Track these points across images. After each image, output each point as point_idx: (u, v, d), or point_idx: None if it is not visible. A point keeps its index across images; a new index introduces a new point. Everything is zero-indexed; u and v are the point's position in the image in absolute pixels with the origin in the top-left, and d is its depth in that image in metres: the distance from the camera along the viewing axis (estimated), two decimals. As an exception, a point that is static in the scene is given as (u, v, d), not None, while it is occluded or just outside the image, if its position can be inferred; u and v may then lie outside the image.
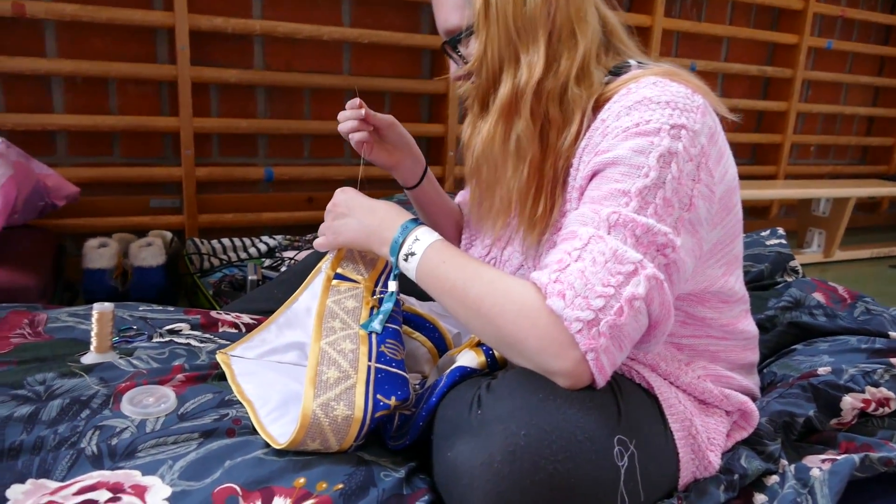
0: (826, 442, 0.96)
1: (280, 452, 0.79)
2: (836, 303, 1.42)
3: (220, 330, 1.16)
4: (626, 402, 0.77)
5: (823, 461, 0.88)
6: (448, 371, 0.88)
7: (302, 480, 0.75)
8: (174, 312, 1.20)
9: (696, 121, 0.77)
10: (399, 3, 2.40)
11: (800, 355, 1.17)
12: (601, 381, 0.73)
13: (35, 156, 1.78)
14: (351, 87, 2.22)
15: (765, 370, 1.15)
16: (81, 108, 2.03)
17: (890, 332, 1.18)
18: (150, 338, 1.08)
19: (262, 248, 2.12)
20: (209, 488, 0.72)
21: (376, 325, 0.92)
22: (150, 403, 0.86)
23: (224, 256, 2.04)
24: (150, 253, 1.83)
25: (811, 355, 1.15)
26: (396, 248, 0.87)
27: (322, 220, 1.00)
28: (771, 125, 3.38)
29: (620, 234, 0.73)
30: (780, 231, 1.75)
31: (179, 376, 0.94)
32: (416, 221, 0.89)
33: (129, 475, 0.74)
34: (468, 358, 0.90)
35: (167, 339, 1.08)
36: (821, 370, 1.05)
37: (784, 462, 0.90)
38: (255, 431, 0.83)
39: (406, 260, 0.86)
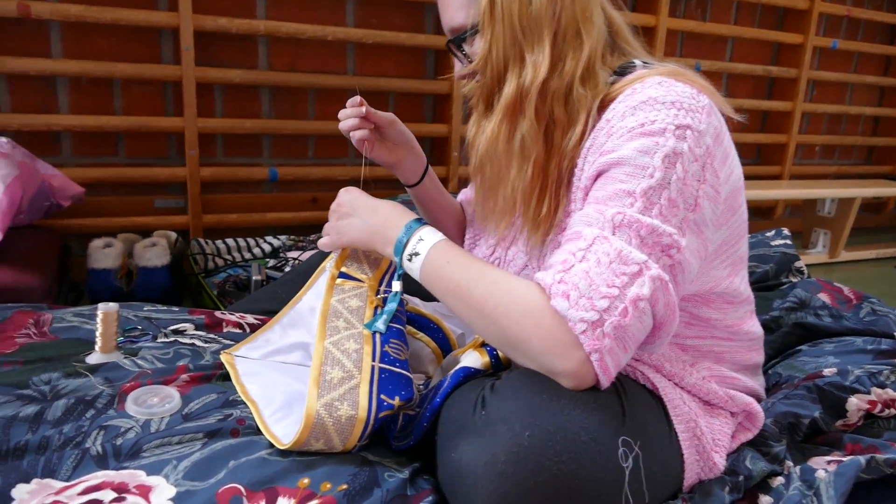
0: (831, 443, 0.96)
1: (284, 453, 0.79)
2: (841, 303, 1.41)
3: (225, 330, 1.16)
4: (630, 402, 0.77)
5: (829, 463, 0.87)
6: (452, 371, 0.87)
7: (306, 481, 0.75)
8: (179, 312, 1.20)
9: (701, 121, 0.76)
10: (403, 3, 2.40)
11: (805, 356, 1.16)
12: (605, 382, 0.73)
13: (40, 156, 1.78)
14: (355, 87, 2.22)
15: (770, 371, 1.15)
16: (86, 109, 2.04)
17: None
18: (154, 338, 1.09)
19: (267, 248, 2.12)
20: (213, 488, 0.72)
21: (380, 325, 0.92)
22: (154, 403, 0.87)
23: (228, 257, 2.04)
24: (154, 253, 1.83)
25: (816, 356, 1.15)
26: (400, 247, 0.87)
27: (326, 221, 1.00)
28: (776, 125, 3.37)
29: (625, 235, 0.73)
30: (785, 231, 1.75)
31: (184, 376, 0.94)
32: (420, 221, 0.89)
33: (133, 475, 0.74)
34: (472, 358, 0.90)
35: (172, 339, 1.09)
36: (826, 371, 1.04)
37: (789, 463, 0.89)
38: (259, 432, 0.83)
39: (410, 260, 0.86)
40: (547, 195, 0.87)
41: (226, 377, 0.96)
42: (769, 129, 3.39)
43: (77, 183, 1.85)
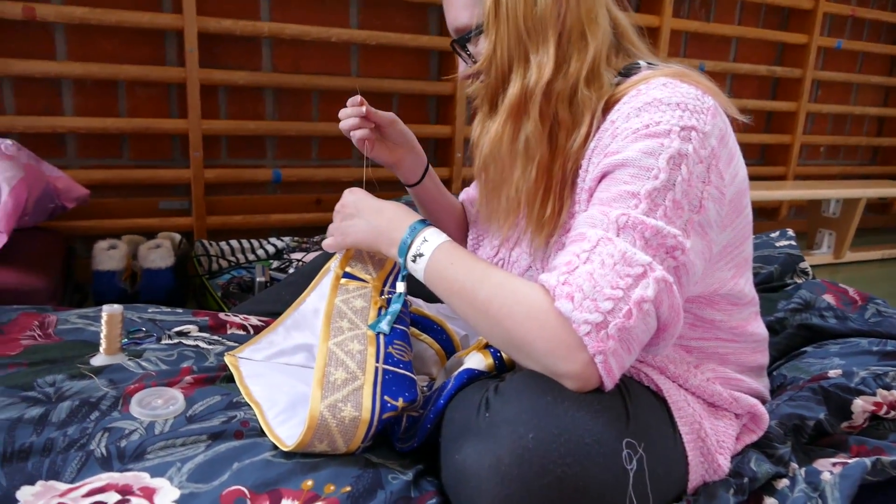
0: (837, 445, 0.95)
1: (288, 454, 0.79)
2: (846, 305, 1.40)
3: (229, 332, 1.16)
4: (634, 404, 0.77)
5: (834, 465, 0.87)
6: (456, 373, 0.87)
7: (310, 482, 0.75)
8: (183, 314, 1.21)
9: (706, 122, 0.76)
10: (406, 4, 2.40)
11: (810, 358, 1.16)
12: (609, 384, 0.73)
13: (45, 158, 1.79)
14: (358, 88, 2.22)
15: (774, 373, 1.14)
16: (91, 111, 2.04)
17: (901, 335, 1.17)
18: (158, 339, 1.09)
19: (271, 249, 2.12)
20: (217, 490, 0.72)
21: (384, 326, 0.91)
22: (158, 405, 0.87)
23: (232, 258, 2.04)
24: (158, 255, 1.84)
25: (821, 358, 1.14)
26: (405, 249, 0.87)
27: (330, 222, 1.00)
28: (780, 125, 3.36)
29: (629, 237, 0.73)
30: (790, 232, 1.74)
31: (188, 378, 0.94)
32: (425, 222, 0.89)
33: (137, 477, 0.74)
34: (476, 360, 0.90)
35: (176, 340, 1.09)
36: (831, 373, 1.04)
37: (794, 465, 0.89)
38: (263, 433, 0.83)
39: (414, 261, 0.86)
40: (551, 196, 0.87)
41: (230, 379, 0.96)
42: (773, 130, 3.38)
43: (82, 185, 1.86)
